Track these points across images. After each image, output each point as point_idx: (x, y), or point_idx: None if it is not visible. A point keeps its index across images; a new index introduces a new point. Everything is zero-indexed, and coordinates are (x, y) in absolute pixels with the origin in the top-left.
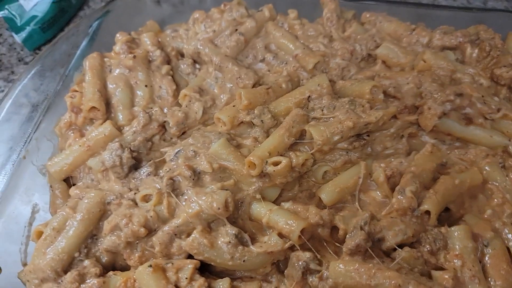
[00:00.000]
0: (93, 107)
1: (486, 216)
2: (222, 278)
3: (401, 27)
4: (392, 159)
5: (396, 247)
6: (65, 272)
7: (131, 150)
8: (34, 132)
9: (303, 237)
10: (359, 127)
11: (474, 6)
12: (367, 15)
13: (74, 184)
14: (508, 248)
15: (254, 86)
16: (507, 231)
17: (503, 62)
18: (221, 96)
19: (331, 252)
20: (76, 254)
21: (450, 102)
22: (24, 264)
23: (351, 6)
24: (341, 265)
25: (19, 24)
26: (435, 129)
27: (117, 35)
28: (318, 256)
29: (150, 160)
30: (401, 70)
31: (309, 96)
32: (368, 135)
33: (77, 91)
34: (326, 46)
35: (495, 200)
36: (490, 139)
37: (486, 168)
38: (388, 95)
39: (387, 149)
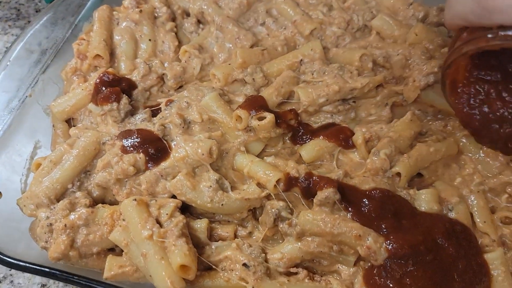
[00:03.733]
0: (98, 55)
1: (455, 183)
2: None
3: (399, 1)
4: (374, 125)
5: None
6: (58, 200)
7: (129, 96)
8: (42, 74)
9: (278, 187)
10: (344, 92)
11: None
12: None
13: (75, 125)
14: (471, 214)
15: (251, 47)
16: (473, 198)
17: None
18: (220, 55)
19: (303, 203)
20: (70, 186)
21: (434, 74)
22: (23, 193)
23: None
24: (309, 214)
25: None
26: (418, 100)
27: None
28: (291, 206)
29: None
30: (393, 42)
31: (301, 60)
32: (354, 101)
33: (84, 39)
34: (325, 14)
35: (467, 170)
36: None
37: (463, 140)
38: (378, 64)
39: (371, 116)
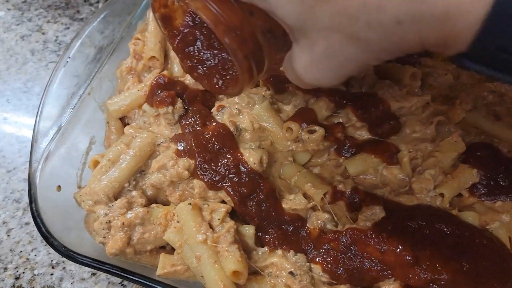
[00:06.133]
0: (153, 57)
1: (496, 205)
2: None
3: None
4: (419, 142)
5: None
6: (116, 198)
7: (183, 100)
8: (99, 73)
9: (325, 199)
10: (393, 110)
11: None
12: None
13: (128, 124)
14: (510, 238)
15: None
16: None
17: None
18: None
19: (347, 216)
20: (126, 185)
21: (482, 98)
22: (79, 187)
23: None
24: None
25: None
26: (463, 120)
27: None
28: (335, 218)
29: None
30: (442, 60)
31: None
32: (399, 117)
33: (139, 39)
34: None
35: None
36: None
37: None
38: (426, 82)
39: (415, 133)
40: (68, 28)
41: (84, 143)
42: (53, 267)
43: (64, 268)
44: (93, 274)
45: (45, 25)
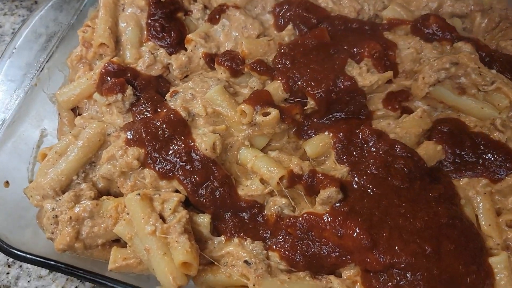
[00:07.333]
0: (103, 44)
1: (461, 183)
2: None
3: None
4: (381, 120)
5: None
6: (64, 192)
7: (134, 87)
8: (47, 62)
9: (281, 184)
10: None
11: None
12: None
13: (80, 114)
14: (476, 216)
15: (258, 36)
16: (479, 200)
17: (510, 34)
18: (226, 44)
19: (306, 201)
20: (74, 177)
21: (445, 70)
22: (30, 181)
23: None
24: None
25: None
26: (428, 95)
27: None
28: (293, 203)
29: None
30: (405, 34)
31: None
32: (364, 99)
33: (90, 26)
34: (335, 2)
35: None
36: (480, 110)
37: None
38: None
39: (378, 110)
40: (25, 19)
41: (34, 136)
42: (9, 266)
43: (20, 266)
44: (51, 271)
45: (1, 17)
